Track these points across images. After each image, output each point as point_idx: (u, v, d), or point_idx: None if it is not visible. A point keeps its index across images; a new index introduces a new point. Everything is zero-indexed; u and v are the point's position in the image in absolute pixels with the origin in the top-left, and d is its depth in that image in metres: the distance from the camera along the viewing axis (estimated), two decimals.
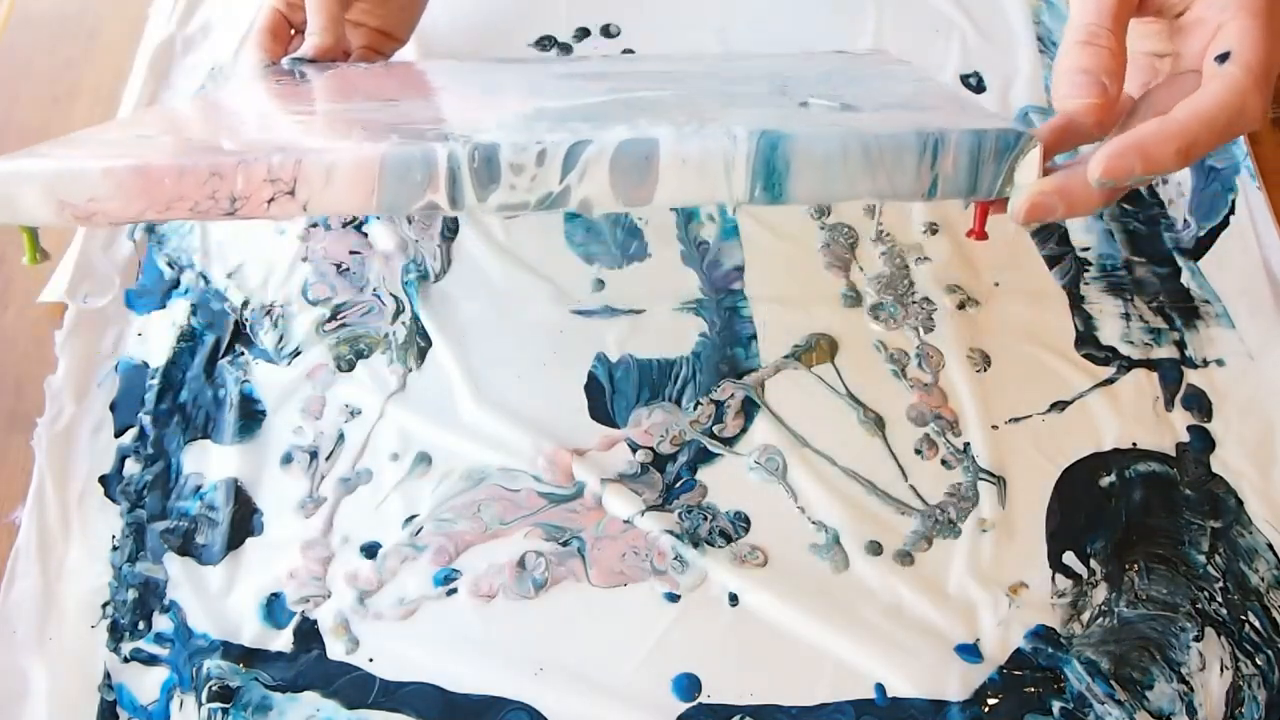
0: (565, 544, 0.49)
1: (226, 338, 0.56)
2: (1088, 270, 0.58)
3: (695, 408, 0.53)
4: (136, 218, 0.38)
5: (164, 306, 0.57)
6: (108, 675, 0.46)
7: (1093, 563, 0.49)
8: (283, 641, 0.47)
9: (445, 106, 0.52)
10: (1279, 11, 0.38)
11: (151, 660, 0.47)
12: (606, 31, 0.68)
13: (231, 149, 0.38)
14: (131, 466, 0.52)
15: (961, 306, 0.56)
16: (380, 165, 0.37)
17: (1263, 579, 0.49)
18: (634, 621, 0.47)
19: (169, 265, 0.58)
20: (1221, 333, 0.56)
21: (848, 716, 0.45)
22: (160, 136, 0.45)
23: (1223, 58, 0.37)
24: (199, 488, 0.51)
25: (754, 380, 0.54)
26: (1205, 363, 0.55)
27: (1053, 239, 0.59)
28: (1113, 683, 0.46)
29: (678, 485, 0.51)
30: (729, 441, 0.52)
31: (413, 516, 0.50)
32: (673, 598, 0.48)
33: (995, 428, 0.53)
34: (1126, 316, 0.57)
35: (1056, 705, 0.45)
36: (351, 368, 0.55)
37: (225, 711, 0.45)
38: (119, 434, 0.53)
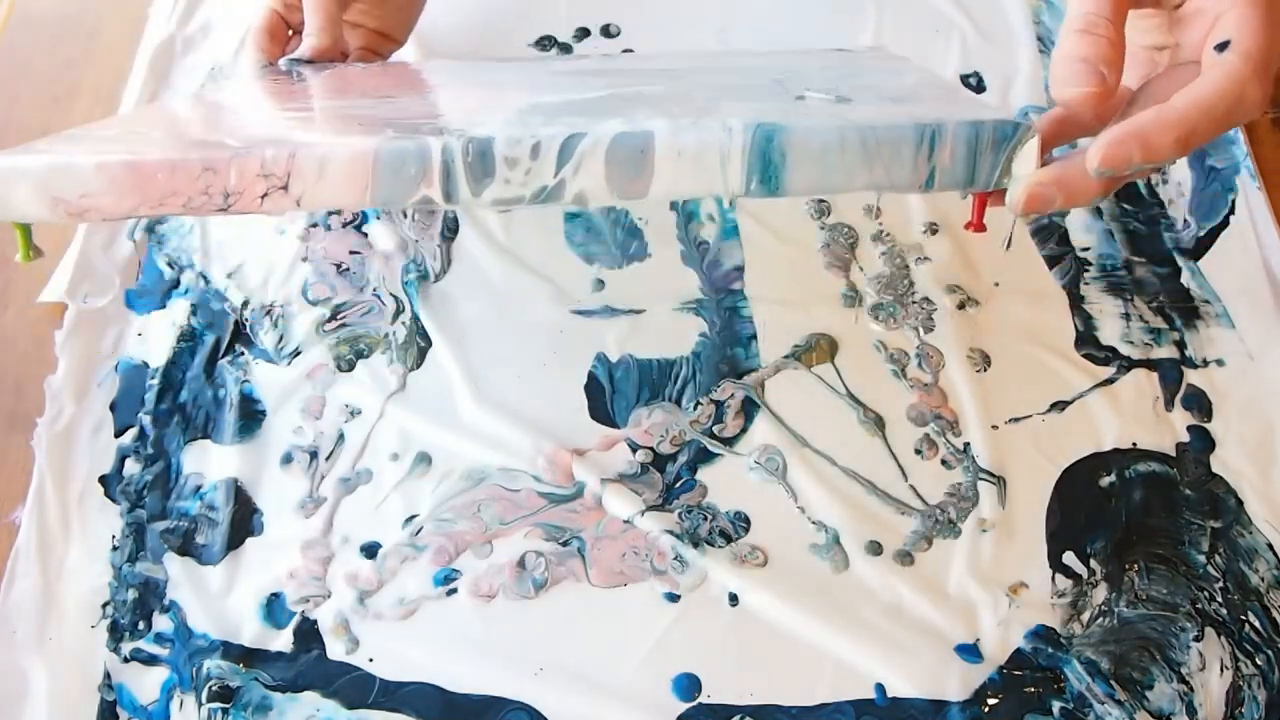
0: (565, 544, 0.49)
1: (226, 338, 0.56)
2: (1088, 270, 0.58)
3: (695, 408, 0.53)
4: (130, 214, 0.37)
5: (164, 306, 0.57)
6: (108, 675, 0.46)
7: (1093, 563, 0.49)
8: (283, 641, 0.47)
9: (442, 103, 0.52)
10: (1278, 1, 0.38)
11: (151, 660, 0.47)
12: (606, 31, 0.68)
13: (225, 144, 0.38)
14: (131, 466, 0.52)
15: (961, 306, 0.56)
16: (374, 159, 0.37)
17: (1263, 579, 0.49)
18: (634, 621, 0.47)
19: (169, 265, 0.58)
20: (1221, 333, 0.56)
21: (848, 716, 0.45)
22: (155, 132, 0.45)
23: (1222, 46, 0.37)
24: (199, 488, 0.51)
25: (754, 380, 0.54)
26: (1205, 363, 0.55)
27: (1053, 239, 0.59)
28: (1113, 683, 0.46)
29: (678, 485, 0.51)
30: (729, 441, 0.52)
31: (413, 516, 0.50)
32: (673, 598, 0.48)
33: (995, 428, 0.53)
34: (1126, 316, 0.57)
35: (1056, 705, 0.45)
36: (351, 368, 0.55)
37: (225, 711, 0.45)
38: (119, 434, 0.53)
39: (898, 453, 0.52)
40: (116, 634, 0.47)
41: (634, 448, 0.52)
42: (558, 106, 0.43)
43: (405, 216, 0.60)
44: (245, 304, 0.57)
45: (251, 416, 0.53)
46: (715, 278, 0.58)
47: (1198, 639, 0.47)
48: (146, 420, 0.53)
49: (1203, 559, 0.49)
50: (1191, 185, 0.61)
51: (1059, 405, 0.54)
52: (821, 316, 0.56)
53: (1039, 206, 0.37)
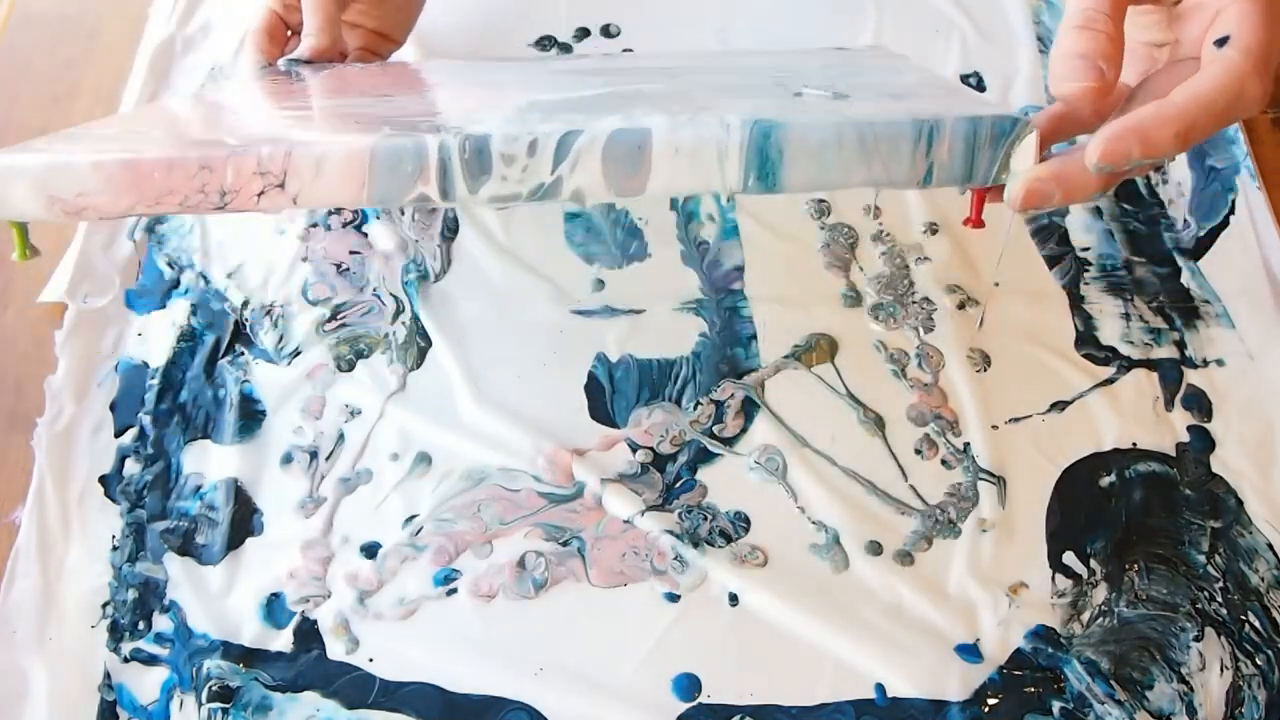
0: (565, 544, 0.49)
1: (226, 338, 0.56)
2: (1088, 270, 0.58)
3: (695, 408, 0.53)
4: (126, 212, 0.37)
5: (164, 306, 0.57)
6: (108, 675, 0.46)
7: (1093, 563, 0.49)
8: (283, 641, 0.47)
9: (440, 102, 0.52)
10: None
11: (151, 660, 0.47)
12: (606, 31, 0.68)
13: (221, 142, 0.38)
14: (131, 466, 0.52)
15: (961, 306, 0.56)
16: (370, 157, 0.37)
17: (1263, 579, 0.49)
18: (634, 621, 0.47)
19: (169, 265, 0.58)
20: (1221, 333, 0.56)
21: (848, 716, 0.45)
22: (155, 132, 0.45)
23: (1221, 42, 0.37)
24: (199, 488, 0.51)
25: (754, 380, 0.54)
26: (1205, 363, 0.55)
27: (1053, 239, 0.59)
28: (1113, 683, 0.46)
29: (678, 485, 0.51)
30: (729, 441, 0.52)
31: (413, 516, 0.50)
32: (673, 598, 0.48)
33: (995, 428, 0.53)
34: (1126, 316, 0.57)
35: (1056, 705, 0.45)
36: (351, 368, 0.55)
37: (225, 711, 0.45)
38: (119, 434, 0.53)
39: (898, 453, 0.52)
40: (116, 634, 0.47)
41: (634, 448, 0.52)
42: (555, 104, 0.43)
43: (403, 214, 0.60)
44: (245, 304, 0.57)
45: (251, 416, 0.53)
46: (715, 278, 0.58)
47: (1198, 639, 0.47)
48: (146, 420, 0.53)
49: (1203, 559, 0.49)
50: (1191, 185, 0.61)
51: (1059, 405, 0.54)
52: (821, 316, 0.56)
53: (1037, 202, 0.37)
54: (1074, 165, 0.37)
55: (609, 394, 0.54)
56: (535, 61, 0.65)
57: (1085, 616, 0.48)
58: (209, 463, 0.52)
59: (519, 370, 0.55)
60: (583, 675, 0.46)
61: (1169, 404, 0.54)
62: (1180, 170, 0.62)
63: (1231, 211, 0.60)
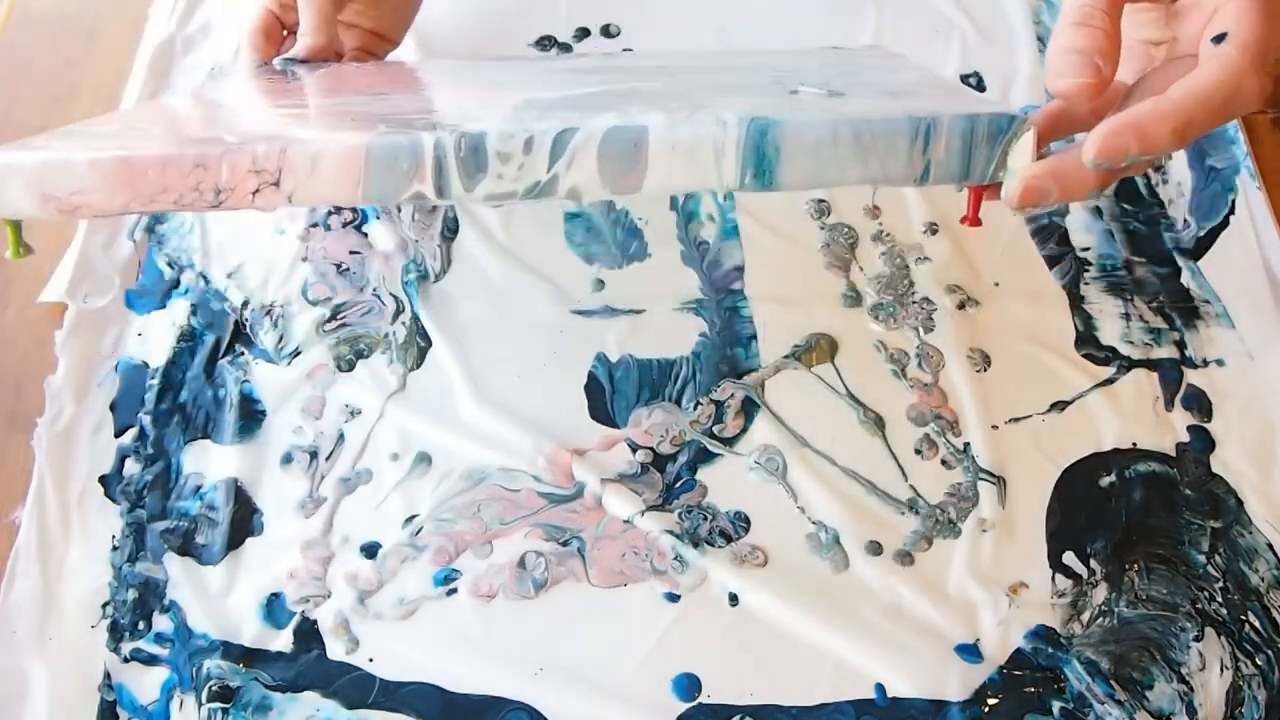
0: (565, 544, 0.49)
1: (226, 338, 0.56)
2: (1088, 270, 0.58)
3: (695, 408, 0.53)
4: (121, 210, 0.37)
5: (164, 306, 0.57)
6: (108, 675, 0.46)
7: (1093, 563, 0.49)
8: (283, 641, 0.47)
9: (436, 100, 0.52)
10: None
11: (151, 660, 0.47)
12: (606, 31, 0.68)
13: (216, 140, 0.38)
14: (131, 466, 0.52)
15: (961, 306, 0.56)
16: (366, 155, 0.36)
17: (1263, 579, 0.49)
18: (634, 621, 0.47)
19: (169, 265, 0.58)
20: (1221, 333, 0.56)
21: (848, 716, 0.45)
22: (155, 129, 0.45)
23: (1219, 38, 0.37)
24: (199, 488, 0.51)
25: (754, 380, 0.54)
26: (1205, 363, 0.55)
27: (1053, 239, 0.59)
28: (1113, 683, 0.46)
29: (678, 485, 0.51)
30: (729, 441, 0.52)
31: (413, 516, 0.50)
32: (673, 598, 0.48)
33: (995, 428, 0.53)
34: (1126, 316, 0.57)
35: (1056, 705, 0.45)
36: (351, 368, 0.55)
37: (225, 711, 0.45)
38: (119, 434, 0.53)
39: (898, 453, 0.52)
40: (116, 634, 0.47)
41: (634, 448, 0.52)
42: (552, 102, 0.43)
43: (400, 211, 0.60)
44: (245, 304, 0.57)
45: (251, 416, 0.53)
46: (715, 278, 0.58)
47: (1198, 639, 0.47)
48: (146, 420, 0.53)
49: (1203, 559, 0.49)
50: (1191, 185, 0.61)
51: (1059, 405, 0.54)
52: (821, 316, 0.56)
53: (1035, 200, 0.37)
54: (1071, 162, 0.37)
55: (609, 394, 0.54)
56: (533, 61, 0.65)
57: (1085, 616, 0.48)
58: (209, 463, 0.52)
59: (519, 370, 0.55)
60: (583, 675, 0.46)
61: (1169, 404, 0.54)
62: (1180, 170, 0.62)
63: (1231, 211, 0.60)
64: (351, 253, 0.59)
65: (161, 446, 0.52)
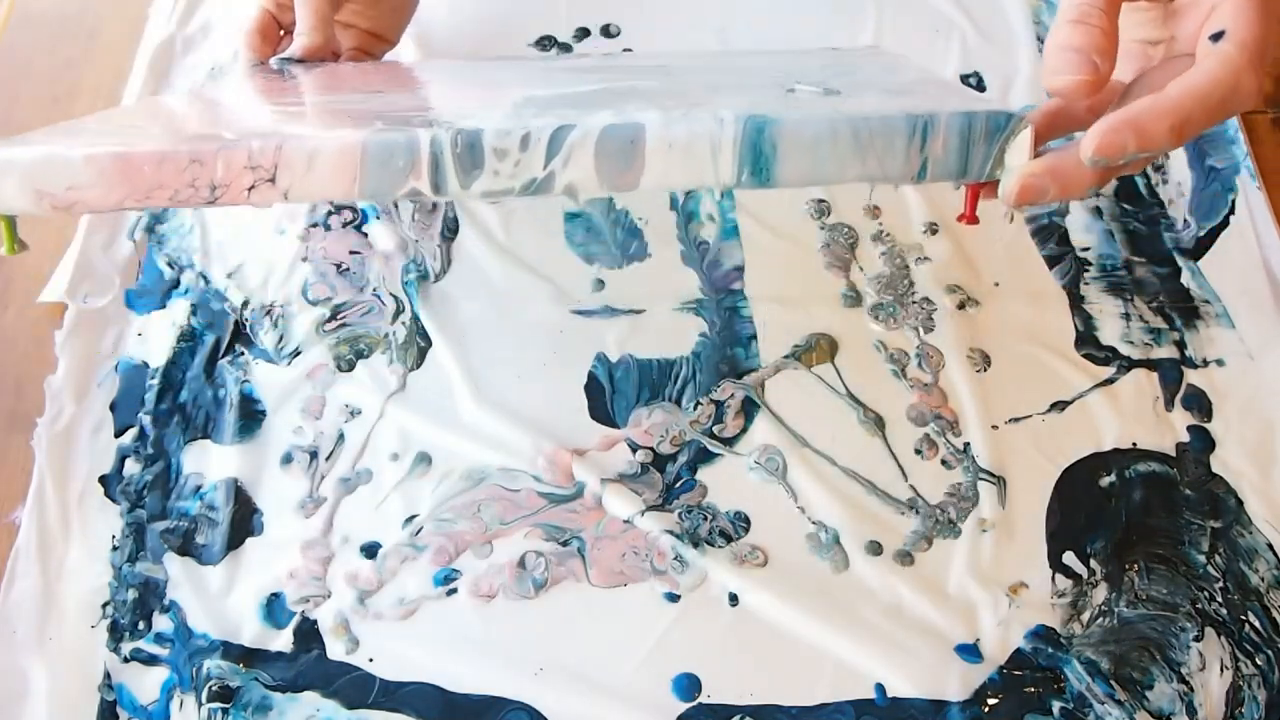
0: (565, 544, 0.49)
1: (226, 338, 0.56)
2: (1088, 270, 0.58)
3: (695, 408, 0.53)
4: (116, 206, 0.37)
5: (164, 306, 0.57)
6: (108, 675, 0.46)
7: (1093, 563, 0.49)
8: (283, 641, 0.47)
9: (433, 98, 0.52)
10: None
11: (151, 660, 0.47)
12: (606, 31, 0.68)
13: (212, 136, 0.38)
14: (131, 466, 0.52)
15: (961, 306, 0.56)
16: (362, 151, 0.36)
17: (1263, 579, 0.49)
18: (634, 621, 0.47)
19: (169, 265, 0.58)
20: (1221, 333, 0.56)
21: (848, 716, 0.45)
22: (149, 126, 0.45)
23: (1217, 36, 0.37)
24: (199, 488, 0.51)
25: (754, 380, 0.54)
26: (1205, 363, 0.55)
27: (1053, 239, 0.59)
28: (1113, 683, 0.46)
29: (678, 485, 0.51)
30: (729, 441, 0.52)
31: (413, 516, 0.50)
32: (673, 598, 0.48)
33: (995, 428, 0.53)
34: (1126, 316, 0.57)
35: (1056, 705, 0.45)
36: (351, 368, 0.55)
37: (225, 711, 0.45)
38: (119, 434, 0.53)
39: (898, 453, 0.52)
40: (116, 634, 0.47)
41: (634, 448, 0.52)
42: (550, 100, 0.43)
43: (400, 211, 0.60)
44: (245, 304, 0.57)
45: (251, 416, 0.53)
46: (715, 278, 0.58)
47: (1198, 639, 0.47)
48: (146, 420, 0.53)
49: (1203, 559, 0.49)
50: (1191, 185, 0.61)
51: (1059, 405, 0.54)
52: (821, 316, 0.56)
53: (1032, 197, 0.37)
54: (1069, 160, 0.37)
55: (609, 394, 0.54)
56: (531, 62, 0.65)
57: (1085, 616, 0.48)
58: (209, 463, 0.52)
59: (519, 370, 0.55)
60: (583, 675, 0.46)
61: (1169, 404, 0.54)
62: (1180, 170, 0.62)
63: (1231, 211, 0.60)
64: (351, 253, 0.59)
65: (161, 446, 0.52)
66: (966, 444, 0.52)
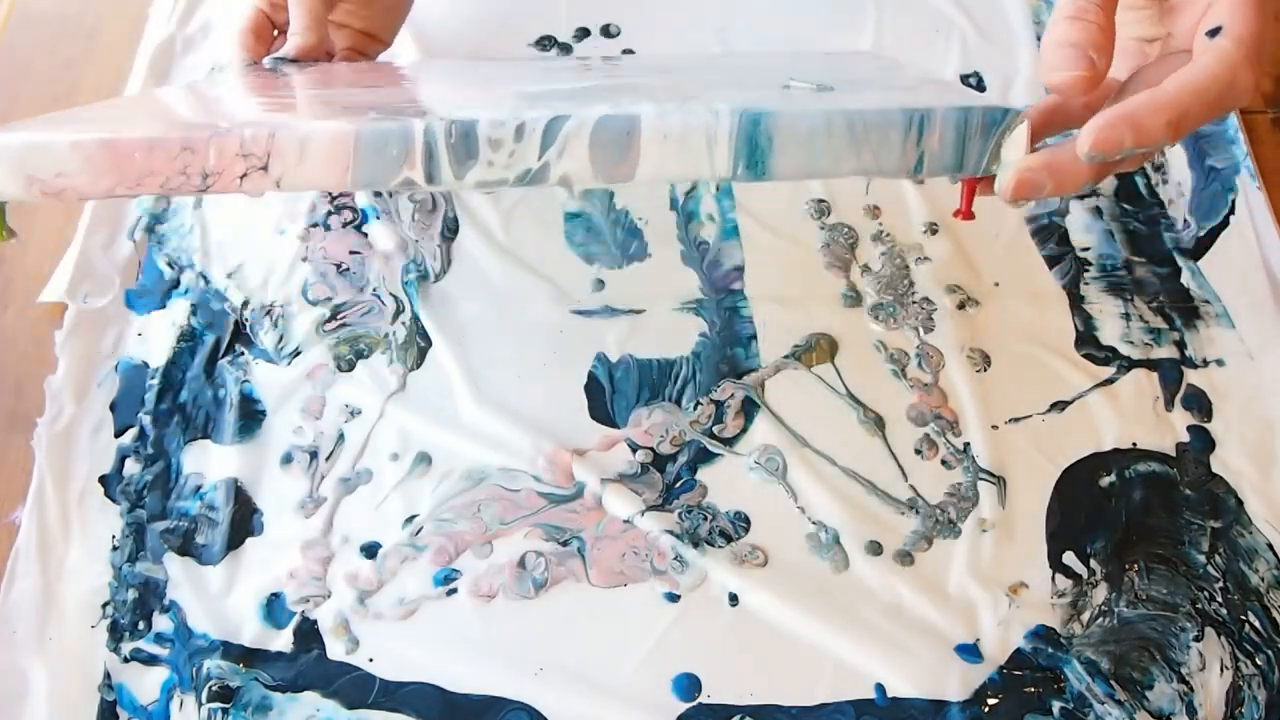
0: (565, 544, 0.49)
1: (226, 338, 0.56)
2: (1088, 270, 0.58)
3: (695, 408, 0.53)
4: (107, 193, 0.37)
5: (164, 306, 0.57)
6: (108, 675, 0.46)
7: (1093, 563, 0.49)
8: (283, 641, 0.47)
9: (429, 95, 0.51)
10: None
11: (151, 660, 0.47)
12: (606, 31, 0.68)
13: (204, 123, 0.38)
14: (131, 466, 0.52)
15: (961, 306, 0.56)
16: (355, 140, 0.36)
17: (1263, 579, 0.49)
18: (634, 621, 0.47)
19: (169, 265, 0.58)
20: (1221, 333, 0.56)
21: (848, 716, 0.45)
22: (139, 115, 0.44)
23: (1214, 32, 0.37)
24: (199, 488, 0.51)
25: (754, 380, 0.54)
26: (1205, 363, 0.55)
27: (1053, 239, 0.59)
28: (1113, 683, 0.46)
29: (678, 485, 0.51)
30: (729, 441, 0.52)
31: (413, 516, 0.50)
32: (673, 598, 0.48)
33: (995, 428, 0.53)
34: (1126, 316, 0.57)
35: (1056, 705, 0.45)
36: (351, 368, 0.55)
37: (225, 711, 0.45)
38: (119, 434, 0.53)
39: (898, 453, 0.52)
40: (116, 634, 0.47)
41: (634, 448, 0.52)
42: (544, 94, 0.43)
43: (399, 210, 0.60)
44: (245, 304, 0.57)
45: (251, 416, 0.53)
46: (715, 278, 0.58)
47: (1198, 639, 0.47)
48: (146, 420, 0.53)
49: (1203, 559, 0.49)
50: (1191, 185, 0.61)
51: (1059, 405, 0.54)
52: (821, 316, 0.56)
53: (1028, 192, 0.37)
54: (1065, 155, 0.37)
55: (609, 394, 0.54)
56: (528, 62, 0.65)
57: (1085, 616, 0.48)
58: (209, 463, 0.52)
59: (519, 370, 0.55)
60: (583, 675, 0.46)
61: (1169, 404, 0.54)
62: (1180, 170, 0.62)
63: (1231, 211, 0.60)
64: (351, 253, 0.59)
65: (161, 446, 0.52)
66: (966, 444, 0.52)
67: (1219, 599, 0.48)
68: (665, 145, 0.36)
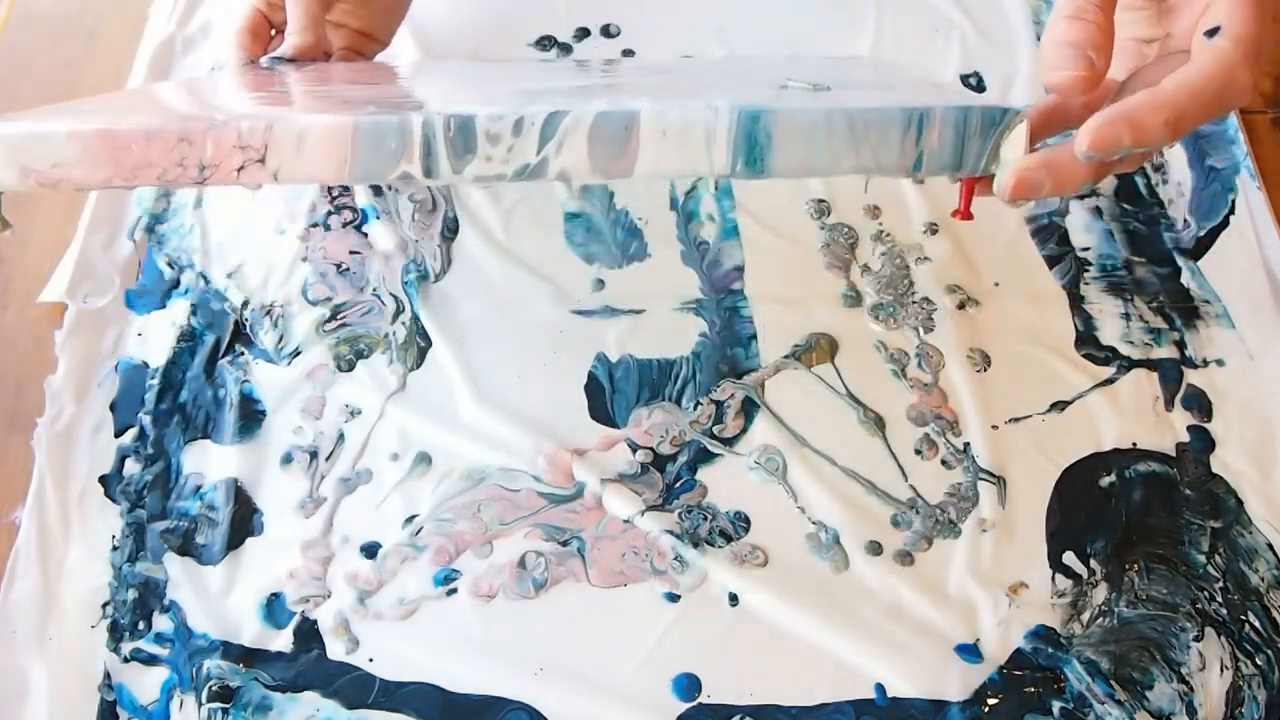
0: (565, 544, 0.49)
1: (226, 338, 0.56)
2: (1088, 270, 0.58)
3: (695, 408, 0.53)
4: (103, 185, 0.37)
5: (164, 306, 0.57)
6: (108, 675, 0.46)
7: (1093, 563, 0.49)
8: (283, 641, 0.47)
9: (427, 91, 0.51)
10: None
11: (151, 660, 0.47)
12: (606, 31, 0.68)
13: (201, 115, 0.37)
14: (131, 466, 0.52)
15: (961, 306, 0.56)
16: (353, 133, 0.36)
17: (1263, 579, 0.49)
18: (634, 621, 0.47)
19: (169, 265, 0.58)
20: (1221, 333, 0.56)
21: (848, 716, 0.45)
22: (136, 108, 0.44)
23: (1212, 32, 0.37)
24: (199, 488, 0.51)
25: (754, 380, 0.54)
26: (1205, 363, 0.55)
27: (1053, 239, 0.59)
28: (1113, 683, 0.46)
29: (678, 485, 0.51)
30: (729, 441, 0.52)
31: (413, 516, 0.50)
32: (673, 598, 0.48)
33: (995, 428, 0.53)
34: (1126, 316, 0.57)
35: (1056, 705, 0.45)
36: (351, 368, 0.55)
37: (225, 711, 0.45)
38: (119, 434, 0.53)
39: (898, 453, 0.52)
40: (116, 634, 0.47)
41: (634, 448, 0.52)
42: (542, 92, 0.43)
43: (399, 210, 0.60)
44: (245, 304, 0.57)
45: (251, 416, 0.53)
46: (715, 278, 0.58)
47: (1198, 639, 0.47)
48: (146, 420, 0.53)
49: (1203, 559, 0.49)
50: (1191, 185, 0.61)
51: (1059, 405, 0.54)
52: (821, 316, 0.56)
53: (1027, 192, 0.37)
54: (1064, 155, 0.37)
55: (609, 394, 0.54)
56: (526, 63, 0.65)
57: (1085, 616, 0.48)
58: (209, 463, 0.52)
59: (519, 370, 0.55)
60: (583, 675, 0.46)
61: (1169, 404, 0.54)
62: (1180, 170, 0.62)
63: (1231, 211, 0.60)
64: (351, 253, 0.59)
65: (161, 446, 0.52)
66: (966, 444, 0.52)
67: (1219, 599, 0.48)
68: (664, 141, 0.36)
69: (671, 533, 0.49)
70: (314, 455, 0.52)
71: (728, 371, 0.54)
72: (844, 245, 0.59)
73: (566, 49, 0.68)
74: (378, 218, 0.60)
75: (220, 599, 0.48)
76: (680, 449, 0.52)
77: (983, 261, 0.58)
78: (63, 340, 0.55)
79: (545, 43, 0.68)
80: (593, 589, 0.48)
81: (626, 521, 0.50)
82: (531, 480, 0.51)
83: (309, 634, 0.47)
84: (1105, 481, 0.51)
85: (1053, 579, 0.49)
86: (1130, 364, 0.55)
